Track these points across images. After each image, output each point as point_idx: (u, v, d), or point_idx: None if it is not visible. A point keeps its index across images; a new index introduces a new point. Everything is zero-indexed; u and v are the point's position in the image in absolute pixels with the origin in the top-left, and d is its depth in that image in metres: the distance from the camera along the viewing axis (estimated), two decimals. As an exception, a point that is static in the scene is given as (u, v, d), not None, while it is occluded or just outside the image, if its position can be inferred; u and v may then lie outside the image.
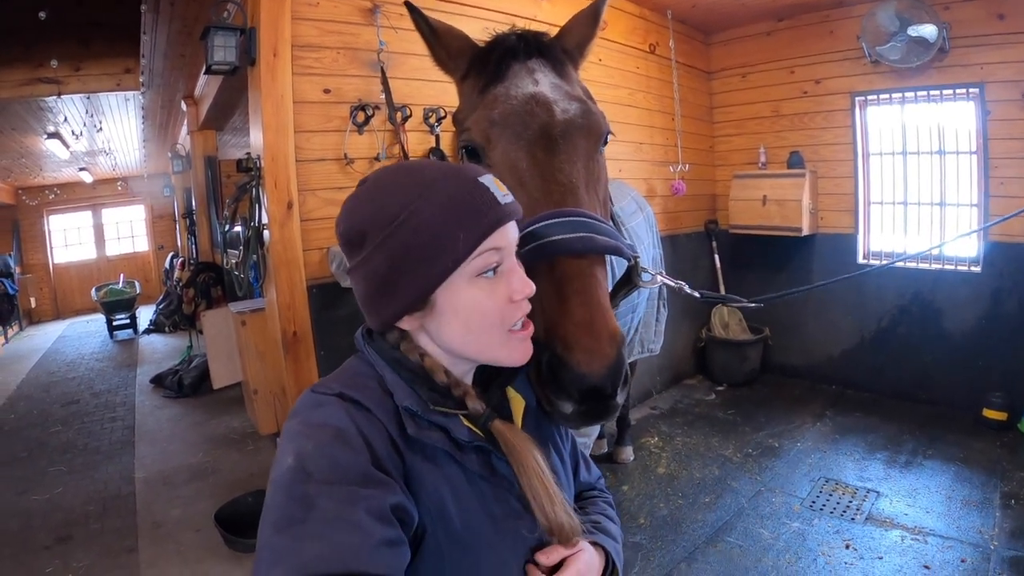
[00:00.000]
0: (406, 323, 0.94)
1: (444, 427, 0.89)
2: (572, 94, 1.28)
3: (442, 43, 1.43)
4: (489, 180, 0.92)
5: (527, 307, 0.93)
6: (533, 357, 1.00)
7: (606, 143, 1.31)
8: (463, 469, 0.90)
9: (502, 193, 0.91)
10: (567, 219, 1.10)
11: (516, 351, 0.94)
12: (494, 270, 0.90)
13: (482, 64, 1.33)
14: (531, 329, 0.95)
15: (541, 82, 1.27)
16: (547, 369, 1.04)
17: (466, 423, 0.93)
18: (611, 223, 1.21)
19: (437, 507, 0.85)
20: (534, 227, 1.08)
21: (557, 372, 1.02)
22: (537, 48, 1.33)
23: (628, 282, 1.39)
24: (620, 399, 1.05)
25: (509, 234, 0.91)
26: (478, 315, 0.89)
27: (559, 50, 1.37)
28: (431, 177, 0.90)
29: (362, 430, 0.82)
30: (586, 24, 1.48)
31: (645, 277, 1.36)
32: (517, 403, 1.06)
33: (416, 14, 1.45)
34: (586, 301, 1.06)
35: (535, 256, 1.06)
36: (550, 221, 1.09)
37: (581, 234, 1.09)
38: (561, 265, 1.08)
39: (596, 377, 1.00)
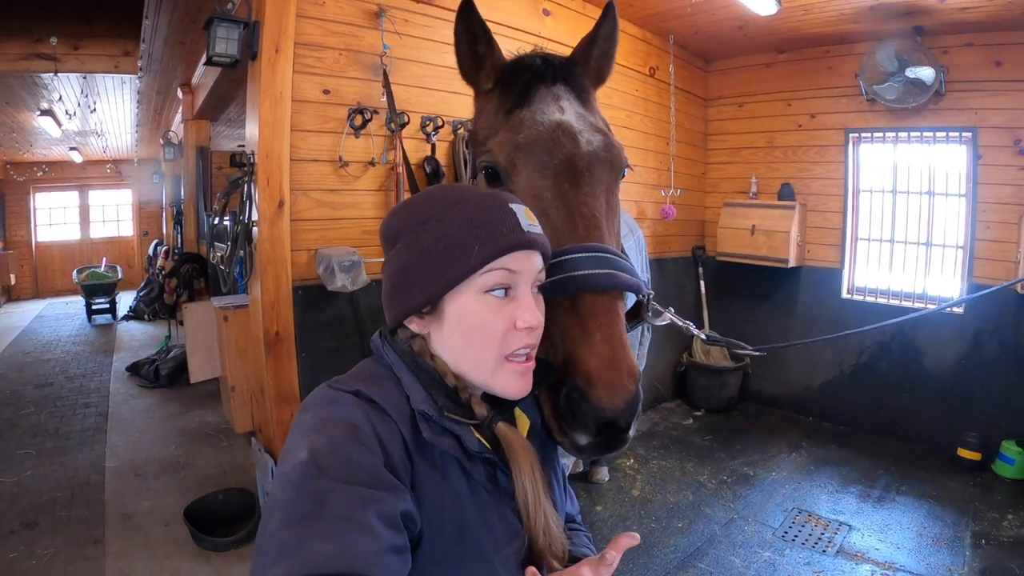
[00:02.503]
0: (415, 325, 0.96)
1: (456, 434, 0.90)
2: (596, 126, 1.27)
3: (491, 53, 1.36)
4: (520, 208, 0.95)
5: (531, 340, 0.93)
6: (548, 390, 1.04)
7: (623, 176, 1.31)
8: (468, 479, 0.91)
9: (528, 222, 0.94)
10: (593, 254, 1.11)
11: (510, 382, 0.93)
12: (506, 292, 0.91)
13: (507, 84, 1.31)
14: (531, 364, 0.95)
15: (567, 110, 1.26)
16: (565, 401, 1.04)
17: (476, 435, 0.94)
18: (627, 257, 1.21)
19: (437, 515, 0.85)
20: (559, 259, 1.09)
21: (577, 405, 1.03)
22: (563, 73, 1.31)
23: (636, 316, 1.39)
24: (632, 432, 1.07)
25: (529, 262, 0.93)
26: (478, 330, 0.91)
27: (583, 77, 1.36)
28: (468, 196, 0.96)
29: (377, 430, 0.83)
30: (594, 51, 1.44)
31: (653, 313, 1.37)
32: (523, 422, 1.07)
33: (474, 14, 1.33)
34: (609, 337, 1.07)
35: (559, 288, 1.07)
36: (576, 255, 1.10)
37: (607, 270, 1.10)
38: (585, 300, 1.09)
39: (615, 411, 1.02)
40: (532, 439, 1.05)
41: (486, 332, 0.90)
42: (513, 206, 0.94)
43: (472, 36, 1.35)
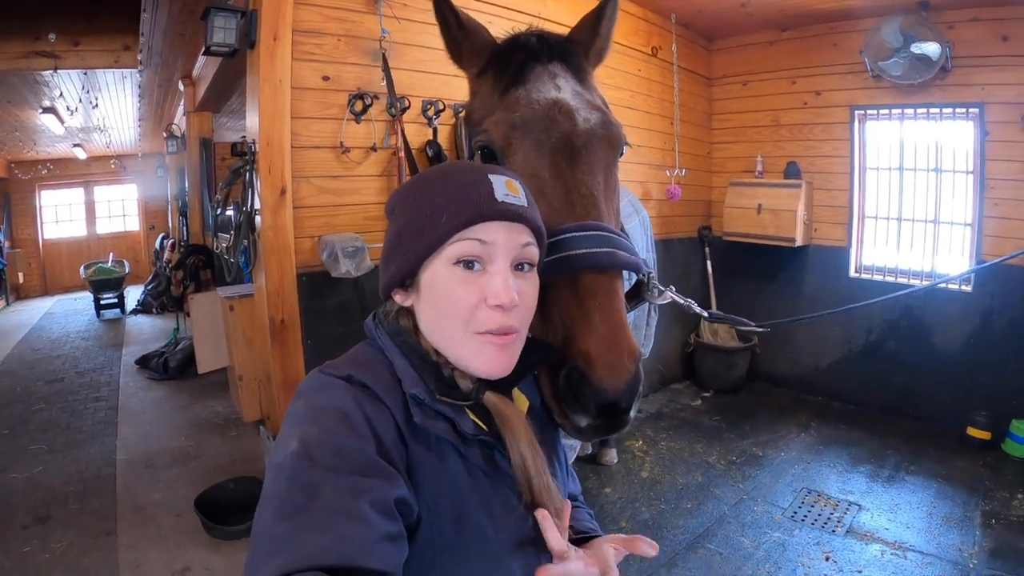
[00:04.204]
0: (399, 296, 0.96)
1: (450, 418, 0.89)
2: (593, 103, 1.25)
3: (465, 35, 1.37)
4: (500, 179, 0.92)
5: (504, 319, 0.89)
6: (547, 372, 1.03)
7: (622, 154, 1.29)
8: (465, 462, 0.89)
9: (506, 192, 0.90)
10: (591, 233, 1.09)
11: (485, 358, 0.90)
12: (480, 265, 0.89)
13: (501, 64, 1.29)
14: (508, 340, 0.91)
15: (563, 88, 1.24)
16: (564, 382, 1.03)
17: (472, 416, 0.92)
18: (627, 236, 1.19)
19: (435, 499, 0.85)
20: (557, 239, 1.07)
21: (577, 386, 1.02)
22: (559, 52, 1.30)
23: (637, 295, 1.38)
24: (633, 413, 1.05)
25: (504, 234, 0.89)
26: (445, 302, 0.89)
27: (579, 55, 1.34)
28: (454, 169, 0.96)
29: (368, 416, 0.82)
30: (600, 29, 1.43)
31: (654, 292, 1.35)
32: (521, 402, 1.06)
33: (444, 3, 1.36)
34: (608, 317, 1.05)
35: (557, 268, 1.05)
36: (574, 234, 1.08)
37: (605, 249, 1.08)
38: (584, 279, 1.07)
39: (616, 392, 1.00)
40: (532, 420, 1.03)
41: (453, 304, 0.89)
42: (492, 176, 0.92)
43: (446, 21, 1.35)
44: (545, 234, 0.98)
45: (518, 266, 0.92)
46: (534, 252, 0.94)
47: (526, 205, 0.93)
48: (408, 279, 0.94)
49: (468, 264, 0.88)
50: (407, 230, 0.92)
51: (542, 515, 0.87)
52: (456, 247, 0.88)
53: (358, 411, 0.81)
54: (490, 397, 0.94)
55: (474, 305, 0.88)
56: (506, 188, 0.91)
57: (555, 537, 0.86)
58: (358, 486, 0.74)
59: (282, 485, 0.75)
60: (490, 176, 0.92)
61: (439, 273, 0.89)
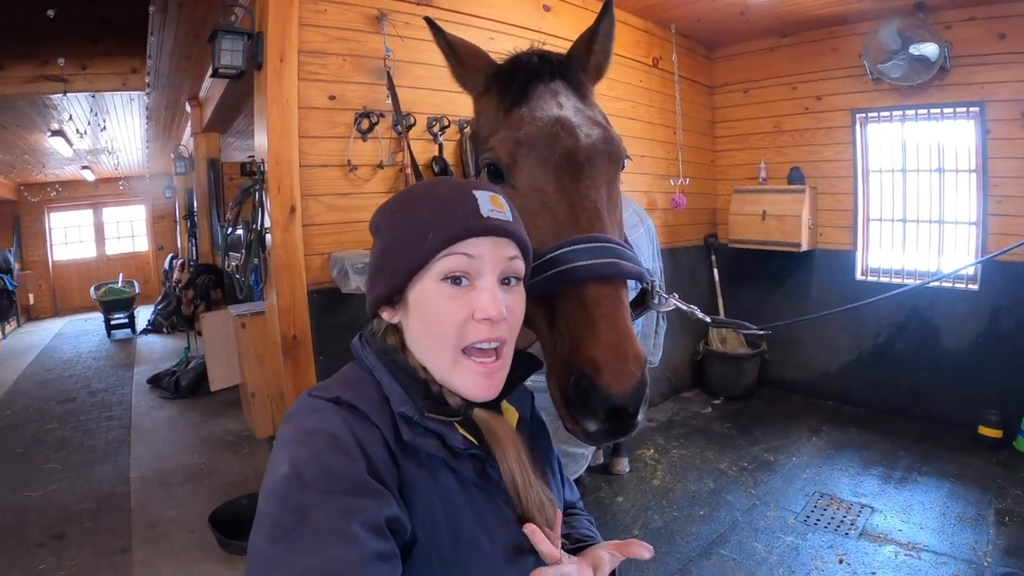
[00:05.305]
0: (387, 313, 0.97)
1: (439, 434, 0.90)
2: (594, 119, 1.30)
3: (460, 59, 1.43)
4: (484, 195, 0.93)
5: (492, 333, 0.91)
6: (556, 379, 1.06)
7: (623, 167, 1.33)
8: (457, 477, 0.90)
9: (491, 208, 0.92)
10: (595, 245, 1.13)
11: (471, 383, 0.92)
12: (468, 280, 0.90)
13: (505, 83, 1.34)
14: (498, 364, 0.93)
15: (565, 105, 1.28)
16: (574, 389, 1.06)
17: (461, 431, 0.93)
18: (630, 246, 1.23)
19: (429, 516, 0.85)
20: (562, 251, 1.11)
21: (585, 392, 1.04)
22: (560, 70, 1.34)
23: (641, 303, 1.41)
24: (641, 417, 1.08)
25: (490, 249, 0.91)
26: (434, 319, 0.90)
27: (580, 72, 1.39)
28: (438, 185, 0.98)
29: (358, 437, 0.82)
30: (595, 47, 1.48)
31: (658, 300, 1.39)
32: (511, 415, 1.07)
33: (435, 30, 1.45)
34: (613, 325, 1.08)
35: (564, 280, 1.09)
36: (578, 246, 1.12)
37: (608, 260, 1.12)
38: (589, 290, 1.10)
39: (623, 397, 1.02)
40: (522, 431, 1.05)
41: (442, 320, 0.89)
42: (477, 192, 0.93)
43: (443, 47, 1.44)
44: (530, 247, 1.00)
45: (504, 280, 0.94)
46: (520, 266, 0.96)
47: (511, 220, 0.94)
48: (396, 296, 0.95)
49: (456, 280, 0.89)
50: (393, 247, 0.93)
51: (531, 530, 0.89)
52: (444, 263, 0.89)
53: (347, 432, 0.82)
54: (479, 413, 0.96)
55: (462, 320, 0.89)
56: (491, 203, 0.93)
57: (547, 547, 0.88)
58: (348, 507, 0.75)
59: (273, 507, 0.76)
60: (475, 192, 0.93)
61: (427, 289, 0.90)
